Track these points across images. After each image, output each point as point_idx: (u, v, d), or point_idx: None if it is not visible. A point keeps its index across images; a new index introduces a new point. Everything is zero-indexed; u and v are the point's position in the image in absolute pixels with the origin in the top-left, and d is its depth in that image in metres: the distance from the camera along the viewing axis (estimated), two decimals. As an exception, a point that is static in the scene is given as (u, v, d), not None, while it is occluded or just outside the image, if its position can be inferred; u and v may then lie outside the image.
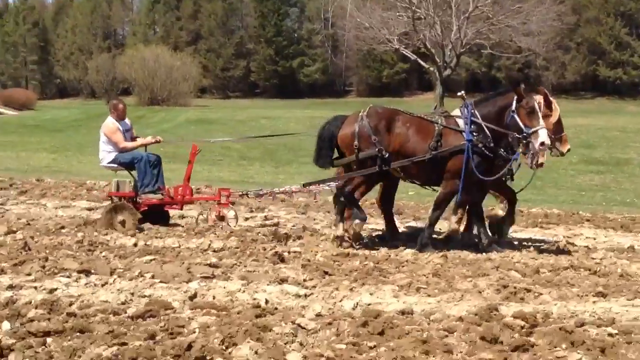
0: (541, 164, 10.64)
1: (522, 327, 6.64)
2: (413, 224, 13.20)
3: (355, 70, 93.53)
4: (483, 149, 10.35)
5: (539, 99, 10.36)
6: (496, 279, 8.72)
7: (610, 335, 6.55)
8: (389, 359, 5.79)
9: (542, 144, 10.03)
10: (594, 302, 7.68)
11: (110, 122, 12.21)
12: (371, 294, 7.77)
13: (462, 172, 10.32)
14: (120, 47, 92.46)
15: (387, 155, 10.50)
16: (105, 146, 12.15)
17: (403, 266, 9.41)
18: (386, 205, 11.71)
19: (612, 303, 7.64)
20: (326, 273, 8.70)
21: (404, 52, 59.72)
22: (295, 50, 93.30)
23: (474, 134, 10.40)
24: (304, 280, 8.37)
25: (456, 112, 10.82)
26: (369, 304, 7.31)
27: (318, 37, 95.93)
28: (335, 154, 11.06)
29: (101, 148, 12.21)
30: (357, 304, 7.31)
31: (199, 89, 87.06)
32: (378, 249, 10.44)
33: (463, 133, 10.45)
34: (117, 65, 71.36)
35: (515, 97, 10.26)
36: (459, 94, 11.32)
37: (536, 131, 10.05)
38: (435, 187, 11.23)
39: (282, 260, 9.43)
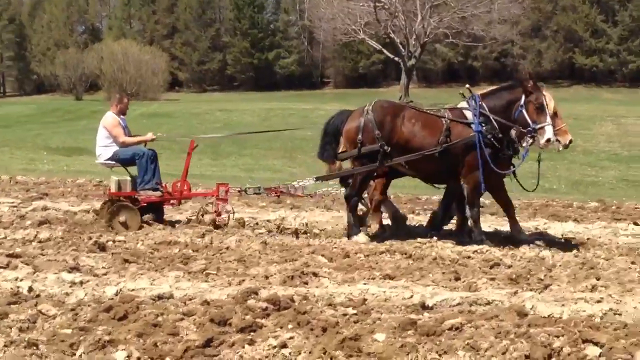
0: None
1: (264, 309, 6.75)
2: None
3: (332, 62, 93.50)
4: (492, 139, 10.41)
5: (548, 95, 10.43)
6: (300, 264, 8.84)
7: (344, 315, 6.66)
8: (95, 340, 5.89)
9: (548, 140, 10.16)
10: (364, 284, 7.79)
11: (110, 116, 12.06)
12: (153, 280, 7.87)
13: (479, 163, 10.34)
14: (98, 42, 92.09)
15: (388, 151, 10.56)
16: (103, 141, 11.93)
17: (221, 253, 9.52)
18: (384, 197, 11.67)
19: (385, 285, 7.76)
20: (126, 261, 8.81)
21: (369, 43, 59.78)
22: (271, 42, 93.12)
23: (482, 125, 10.44)
24: (101, 268, 8.49)
25: (462, 104, 10.87)
26: (132, 290, 7.41)
27: (294, 29, 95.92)
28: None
29: (99, 143, 11.99)
30: (120, 290, 7.41)
31: (175, 82, 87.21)
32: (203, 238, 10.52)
33: (472, 125, 10.50)
34: (86, 59, 71.30)
35: (524, 93, 10.37)
36: (466, 86, 11.20)
37: (542, 127, 10.17)
38: (437, 185, 11.46)
39: (103, 249, 9.55)
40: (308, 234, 11.16)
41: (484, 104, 10.57)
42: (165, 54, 78.11)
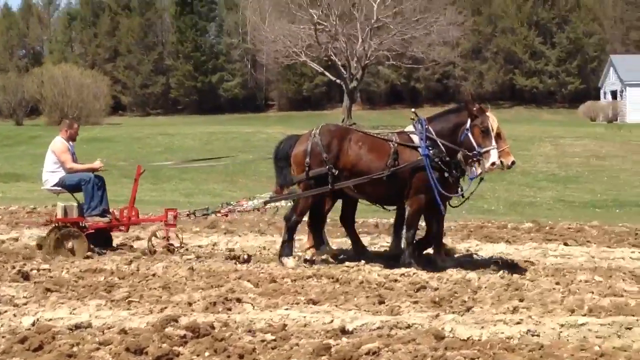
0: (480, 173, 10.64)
1: (182, 337, 6.69)
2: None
3: (276, 85, 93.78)
4: (440, 163, 10.41)
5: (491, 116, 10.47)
6: (225, 290, 8.78)
7: (263, 341, 6.63)
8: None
9: (493, 164, 10.21)
10: (286, 309, 7.77)
11: (59, 142, 11.93)
12: (73, 310, 7.75)
13: (428, 186, 10.34)
14: (38, 65, 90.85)
15: (336, 174, 10.54)
16: (50, 166, 11.81)
17: (147, 280, 9.42)
18: (347, 222, 11.61)
19: (307, 310, 7.74)
20: (48, 290, 8.67)
21: (311, 65, 59.99)
22: (214, 65, 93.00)
23: (429, 149, 10.45)
24: (22, 298, 8.35)
25: (409, 128, 10.88)
26: (50, 320, 7.28)
27: (237, 52, 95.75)
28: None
29: (46, 169, 11.88)
30: (37, 320, 7.28)
31: (118, 106, 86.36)
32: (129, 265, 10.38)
33: (419, 149, 10.50)
34: (26, 84, 70.19)
35: (470, 116, 10.40)
36: (412, 110, 11.29)
37: (488, 151, 10.22)
38: (387, 207, 11.39)
39: (26, 278, 9.40)
40: (236, 260, 11.08)
41: (430, 128, 10.65)
42: (107, 77, 77.31)
